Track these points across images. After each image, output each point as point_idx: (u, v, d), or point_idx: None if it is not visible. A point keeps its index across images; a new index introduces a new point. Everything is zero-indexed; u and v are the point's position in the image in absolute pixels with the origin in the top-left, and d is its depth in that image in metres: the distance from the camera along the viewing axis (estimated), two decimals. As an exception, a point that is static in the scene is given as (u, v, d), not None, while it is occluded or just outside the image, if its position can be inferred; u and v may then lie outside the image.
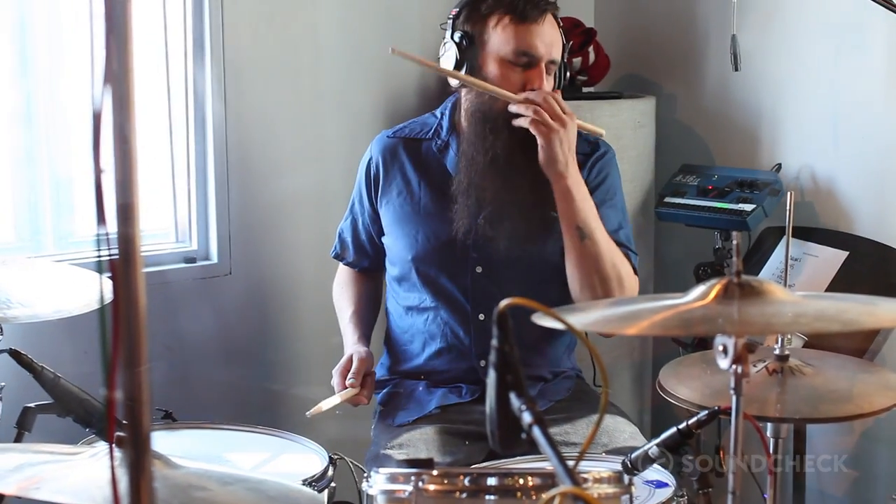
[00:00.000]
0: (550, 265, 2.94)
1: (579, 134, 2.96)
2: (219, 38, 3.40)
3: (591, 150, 3.03)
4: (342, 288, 3.24)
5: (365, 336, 3.12)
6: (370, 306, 3.22)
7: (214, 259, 3.51)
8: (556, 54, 2.89)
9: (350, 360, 2.95)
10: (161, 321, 3.34)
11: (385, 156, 3.07)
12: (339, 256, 3.24)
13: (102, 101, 1.20)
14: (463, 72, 2.89)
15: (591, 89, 3.91)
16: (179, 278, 3.46)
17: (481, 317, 2.95)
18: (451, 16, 2.94)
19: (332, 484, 2.54)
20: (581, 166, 2.94)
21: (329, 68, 3.66)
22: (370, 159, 3.10)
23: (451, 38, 2.90)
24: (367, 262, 3.20)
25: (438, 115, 3.09)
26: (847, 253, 3.33)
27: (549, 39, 2.87)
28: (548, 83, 2.89)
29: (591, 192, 2.93)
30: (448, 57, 2.91)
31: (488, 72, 2.87)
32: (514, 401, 1.57)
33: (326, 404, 2.84)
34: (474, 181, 2.90)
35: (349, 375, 2.91)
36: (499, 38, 2.86)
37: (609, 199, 3.01)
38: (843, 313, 1.80)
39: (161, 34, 3.36)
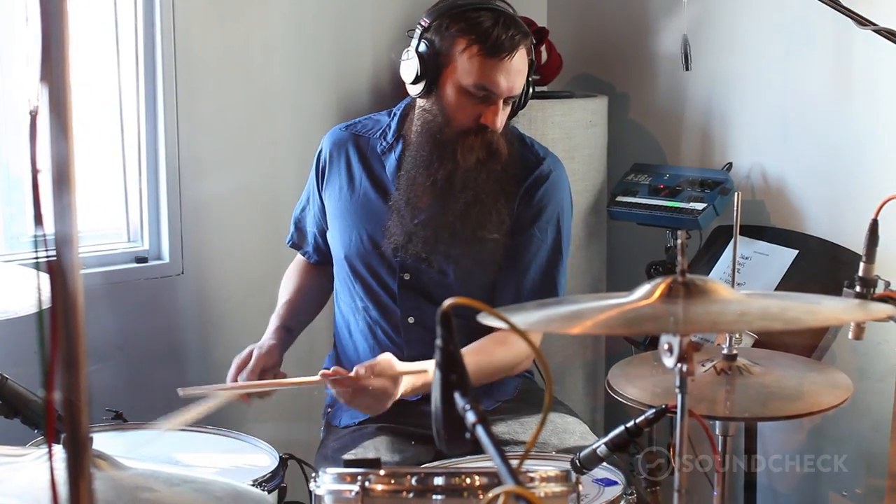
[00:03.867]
0: (476, 279, 2.94)
1: (525, 145, 3.01)
2: (170, 37, 3.38)
3: (534, 165, 2.99)
4: (287, 279, 3.23)
5: (285, 328, 3.05)
6: (309, 299, 3.18)
7: (166, 259, 3.50)
8: (518, 87, 2.84)
9: (249, 354, 2.88)
10: (112, 321, 3.33)
11: (333, 149, 3.07)
12: (295, 245, 3.22)
13: (38, 100, 1.19)
14: (421, 87, 2.84)
15: (544, 88, 3.91)
16: (131, 278, 3.44)
17: (411, 320, 2.96)
18: (421, 23, 2.87)
19: (283, 484, 2.54)
20: (519, 182, 2.94)
21: (280, 67, 3.65)
22: (321, 150, 3.11)
23: (416, 49, 2.85)
24: (319, 256, 3.18)
25: (390, 116, 3.07)
26: (797, 252, 3.35)
27: (513, 75, 2.81)
28: (503, 114, 2.86)
29: (524, 219, 2.94)
30: (409, 67, 2.85)
31: (446, 94, 2.84)
32: (459, 400, 1.58)
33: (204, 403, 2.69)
34: (412, 200, 2.90)
35: (242, 372, 2.85)
36: (462, 67, 2.80)
37: (541, 227, 2.97)
38: (786, 311, 1.81)
39: (112, 34, 3.35)
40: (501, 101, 2.83)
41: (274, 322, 3.06)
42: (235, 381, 2.83)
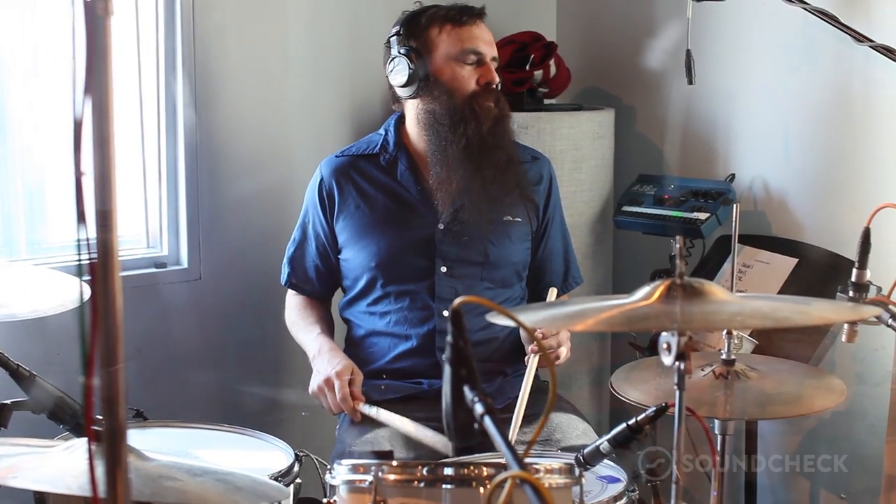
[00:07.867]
0: (510, 263, 3.16)
1: (521, 146, 3.28)
2: (190, 47, 3.45)
3: (534, 160, 3.31)
4: (300, 311, 3.30)
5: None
6: (331, 330, 3.30)
7: (185, 264, 3.57)
8: (495, 50, 3.16)
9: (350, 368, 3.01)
10: (132, 324, 3.34)
11: (336, 175, 3.20)
12: (293, 285, 3.30)
13: (83, 109, 1.28)
14: (416, 84, 3.10)
15: (552, 101, 3.99)
16: (150, 283, 3.50)
17: (445, 313, 3.05)
18: (392, 34, 3.15)
19: (298, 480, 2.60)
20: (530, 174, 3.23)
21: (297, 77, 3.73)
22: (321, 181, 3.22)
23: (399, 53, 3.11)
24: (320, 288, 3.29)
25: (383, 132, 3.24)
26: (797, 260, 3.41)
27: (488, 39, 3.16)
28: (495, 74, 3.14)
29: (553, 212, 3.27)
30: (401, 69, 3.10)
31: (444, 74, 3.10)
32: (468, 393, 1.65)
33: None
34: (453, 167, 3.08)
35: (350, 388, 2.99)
36: (446, 43, 3.11)
37: (556, 206, 3.33)
38: (778, 311, 1.89)
39: (134, 44, 3.40)
40: (491, 64, 3.14)
41: (325, 342, 3.16)
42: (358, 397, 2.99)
